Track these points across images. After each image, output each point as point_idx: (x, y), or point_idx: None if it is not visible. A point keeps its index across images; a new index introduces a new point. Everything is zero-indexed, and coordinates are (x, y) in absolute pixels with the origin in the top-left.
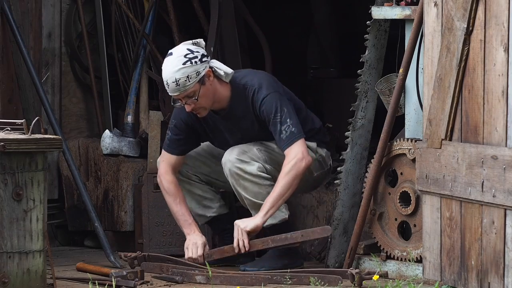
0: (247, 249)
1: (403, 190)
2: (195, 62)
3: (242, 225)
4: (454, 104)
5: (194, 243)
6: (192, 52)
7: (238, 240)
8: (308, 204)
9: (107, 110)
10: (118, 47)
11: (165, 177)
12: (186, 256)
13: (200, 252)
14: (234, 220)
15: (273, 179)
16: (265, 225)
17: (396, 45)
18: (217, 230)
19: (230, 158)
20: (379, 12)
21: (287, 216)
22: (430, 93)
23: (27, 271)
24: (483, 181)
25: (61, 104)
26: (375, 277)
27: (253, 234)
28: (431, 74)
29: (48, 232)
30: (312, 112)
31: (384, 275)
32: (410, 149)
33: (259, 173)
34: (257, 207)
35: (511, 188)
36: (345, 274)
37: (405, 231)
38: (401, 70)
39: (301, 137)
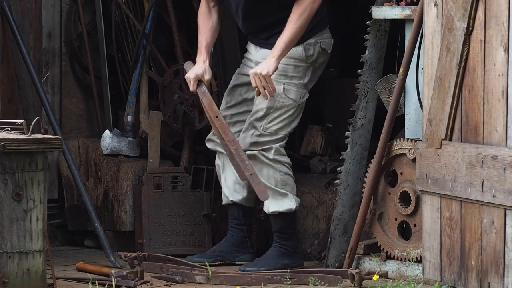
0: (275, 91)
1: (403, 190)
2: None
3: (264, 71)
4: (454, 104)
5: (188, 77)
6: None
7: (263, 88)
8: (308, 204)
9: (107, 110)
10: (118, 47)
11: (200, 8)
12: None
13: (193, 88)
14: (253, 218)
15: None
16: (271, 210)
17: (396, 45)
18: (231, 216)
19: (245, 142)
20: (379, 12)
21: (293, 207)
22: (430, 93)
23: (27, 271)
24: (483, 181)
25: (61, 104)
26: (375, 277)
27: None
28: (431, 74)
29: (48, 232)
30: None
31: (384, 275)
32: (410, 149)
33: (275, 157)
34: (270, 190)
35: (511, 188)
36: (345, 274)
37: (405, 231)
38: (401, 70)
39: None
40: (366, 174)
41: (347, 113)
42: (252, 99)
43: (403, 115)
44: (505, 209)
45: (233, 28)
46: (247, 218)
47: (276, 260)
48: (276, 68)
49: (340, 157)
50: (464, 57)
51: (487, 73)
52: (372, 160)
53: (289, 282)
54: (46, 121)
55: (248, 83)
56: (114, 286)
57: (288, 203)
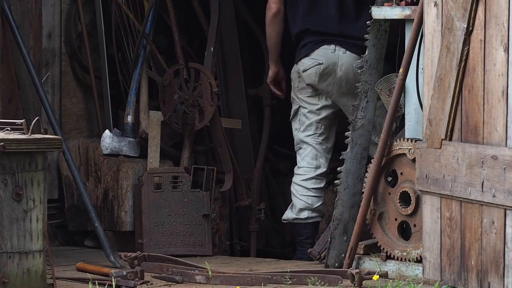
0: (283, 92)
1: (403, 190)
2: None
3: (268, 80)
4: (454, 104)
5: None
6: None
7: (275, 92)
8: None
9: (107, 110)
10: (118, 47)
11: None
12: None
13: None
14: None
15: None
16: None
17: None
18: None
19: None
20: (379, 12)
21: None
22: (430, 93)
23: (27, 271)
24: (483, 181)
25: (61, 104)
26: (375, 277)
27: (278, 78)
28: (431, 74)
29: (48, 232)
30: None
31: (384, 275)
32: (410, 149)
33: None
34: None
35: (511, 188)
36: (345, 274)
37: (405, 231)
38: (401, 70)
39: None
40: (366, 174)
41: None
42: None
43: (403, 115)
44: (505, 209)
45: (233, 28)
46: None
47: None
48: (273, 72)
49: (340, 157)
50: (464, 57)
51: (487, 73)
52: (372, 160)
53: (289, 282)
54: (46, 121)
55: None
56: (114, 286)
57: (289, 215)
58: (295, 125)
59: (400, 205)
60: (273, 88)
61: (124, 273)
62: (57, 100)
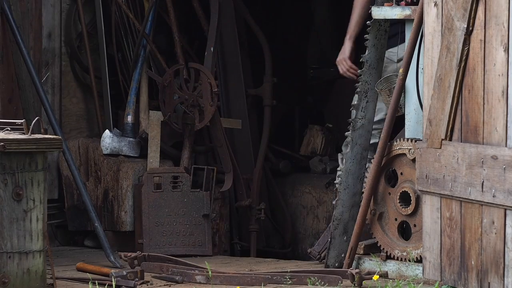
0: (355, 70)
1: (403, 190)
2: None
3: (340, 57)
4: (454, 104)
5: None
6: None
7: (346, 71)
8: (308, 204)
9: (107, 110)
10: (118, 47)
11: None
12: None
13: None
14: None
15: None
16: None
17: None
18: None
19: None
20: (379, 12)
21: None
22: (430, 93)
23: (27, 271)
24: (483, 181)
25: (61, 104)
26: (375, 277)
27: (351, 56)
28: (431, 74)
29: (48, 232)
30: None
31: (384, 275)
32: (410, 149)
33: None
34: None
35: (511, 188)
36: (345, 274)
37: (405, 231)
38: (401, 70)
39: None
40: (366, 174)
41: (347, 113)
42: None
43: (403, 115)
44: (505, 209)
45: (233, 28)
46: None
47: None
48: (350, 47)
49: (340, 157)
50: (464, 57)
51: (487, 73)
52: (372, 160)
53: (289, 282)
54: (46, 121)
55: None
56: (114, 286)
57: None
58: None
59: (400, 205)
60: (347, 66)
61: (124, 273)
62: (57, 100)
